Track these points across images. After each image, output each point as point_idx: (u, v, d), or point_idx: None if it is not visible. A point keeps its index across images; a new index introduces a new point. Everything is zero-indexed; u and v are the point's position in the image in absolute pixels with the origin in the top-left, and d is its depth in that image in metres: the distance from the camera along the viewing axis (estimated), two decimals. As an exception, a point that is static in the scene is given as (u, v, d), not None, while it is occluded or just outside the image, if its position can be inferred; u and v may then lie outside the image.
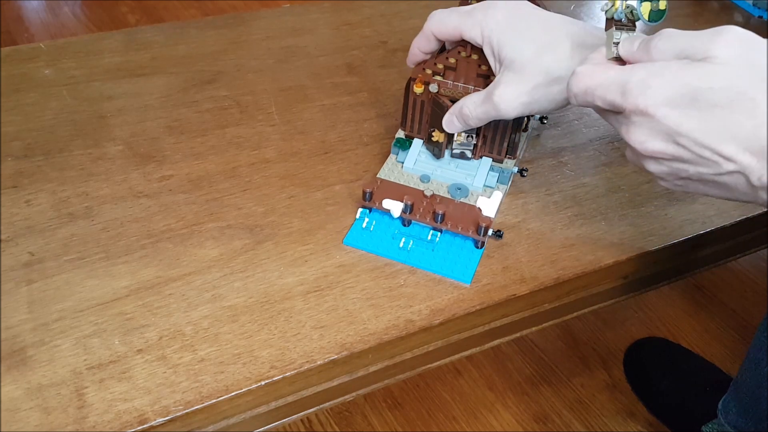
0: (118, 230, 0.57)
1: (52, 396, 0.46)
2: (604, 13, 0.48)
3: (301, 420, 1.00)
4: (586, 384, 1.10)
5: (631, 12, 0.47)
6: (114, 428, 0.44)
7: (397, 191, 0.59)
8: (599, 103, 0.45)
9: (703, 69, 0.40)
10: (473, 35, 0.55)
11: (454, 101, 0.59)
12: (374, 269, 0.56)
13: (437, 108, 0.60)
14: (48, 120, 0.67)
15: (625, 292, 0.66)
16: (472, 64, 0.57)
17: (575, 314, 0.64)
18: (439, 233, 0.58)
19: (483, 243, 0.57)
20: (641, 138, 0.43)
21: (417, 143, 0.63)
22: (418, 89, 0.60)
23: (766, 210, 0.65)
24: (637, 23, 0.47)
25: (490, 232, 0.57)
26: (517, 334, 0.62)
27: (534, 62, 0.52)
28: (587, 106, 0.47)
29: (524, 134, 0.66)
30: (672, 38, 0.43)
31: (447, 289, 0.55)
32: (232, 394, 0.47)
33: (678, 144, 0.42)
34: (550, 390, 1.08)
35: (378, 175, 0.62)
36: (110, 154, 0.64)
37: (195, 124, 0.69)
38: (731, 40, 0.41)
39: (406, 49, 0.82)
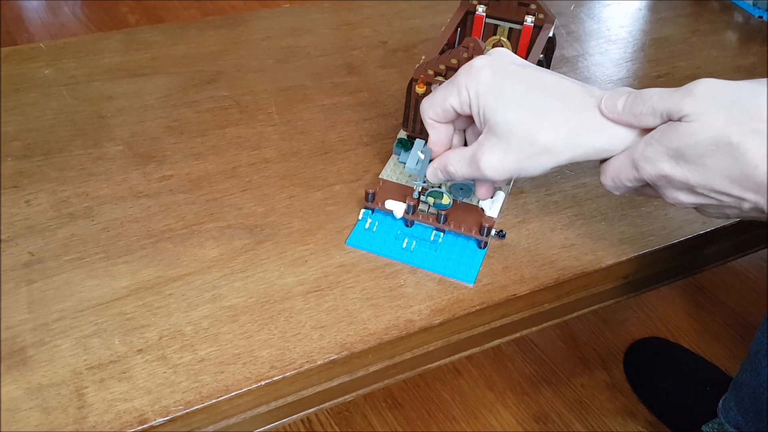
0: (118, 230, 0.57)
1: (52, 396, 0.46)
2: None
3: (301, 420, 0.99)
4: (586, 384, 1.10)
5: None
6: (114, 428, 0.44)
7: (399, 192, 0.59)
8: (630, 185, 0.48)
9: (680, 129, 0.43)
10: (460, 101, 0.50)
11: None
12: (374, 269, 0.56)
13: None
14: (48, 120, 0.67)
15: (625, 292, 0.66)
16: None
17: (575, 314, 0.64)
18: (441, 234, 0.58)
19: (486, 243, 0.57)
20: (672, 196, 0.46)
21: (419, 143, 0.63)
22: (420, 90, 0.60)
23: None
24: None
25: (492, 232, 0.57)
26: (517, 334, 0.62)
27: (520, 131, 0.48)
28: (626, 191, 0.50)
29: None
30: (648, 101, 0.45)
31: (447, 289, 0.55)
32: (232, 394, 0.47)
33: (699, 194, 0.45)
34: (550, 390, 1.08)
35: (380, 176, 0.62)
36: (110, 154, 0.64)
37: (195, 124, 0.69)
38: (700, 95, 0.43)
39: (406, 48, 0.83)
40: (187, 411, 0.46)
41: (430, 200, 0.56)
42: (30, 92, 0.70)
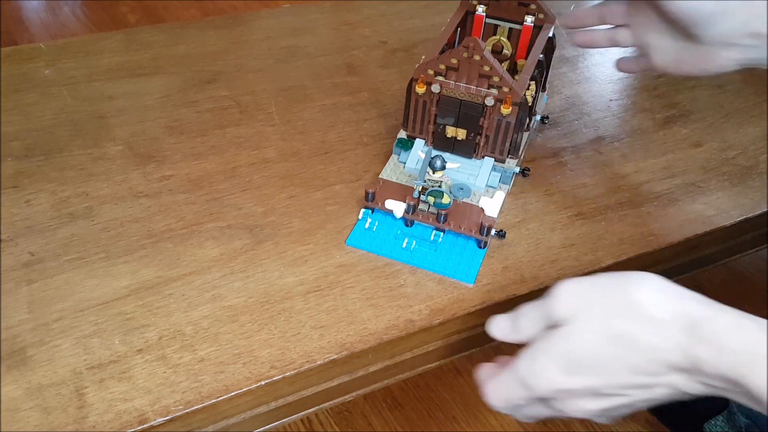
0: (118, 230, 0.57)
1: (52, 396, 0.46)
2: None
3: (301, 420, 0.99)
4: (586, 384, 1.10)
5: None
6: (114, 428, 0.44)
7: (399, 191, 0.59)
8: (527, 405, 0.44)
9: (563, 333, 0.41)
10: None
11: (457, 101, 0.59)
12: (374, 269, 0.56)
13: (447, 105, 0.59)
14: (48, 120, 0.67)
15: (625, 292, 0.65)
16: (474, 64, 0.57)
17: (575, 314, 0.64)
18: (441, 233, 0.58)
19: (486, 243, 0.57)
20: (576, 408, 0.43)
21: (419, 143, 0.63)
22: (420, 89, 0.60)
23: (766, 210, 0.65)
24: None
25: (492, 232, 0.57)
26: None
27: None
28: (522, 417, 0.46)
29: (526, 134, 0.66)
30: (525, 315, 0.44)
31: (447, 289, 0.55)
32: (232, 393, 0.47)
33: (605, 395, 0.42)
34: (550, 390, 1.08)
35: (380, 176, 0.62)
36: (110, 154, 0.64)
37: (195, 124, 0.69)
38: (566, 296, 0.41)
39: (406, 48, 0.83)
40: (187, 411, 0.46)
41: (430, 199, 0.56)
42: (30, 92, 0.70)
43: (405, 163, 0.63)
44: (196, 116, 0.70)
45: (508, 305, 0.56)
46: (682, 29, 0.57)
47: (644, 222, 0.62)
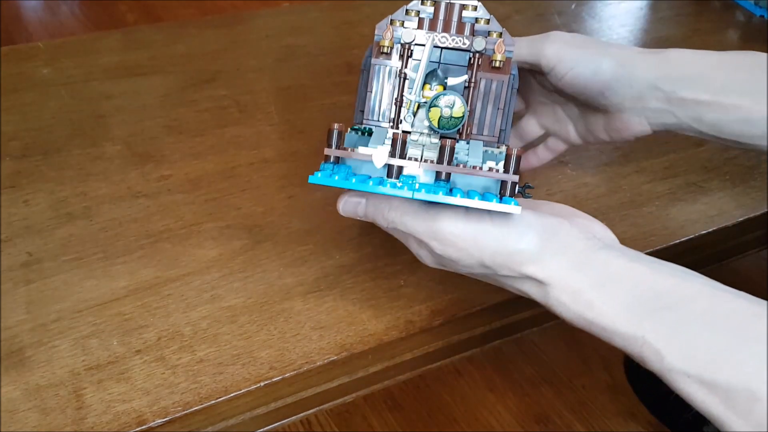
0: (117, 230, 0.57)
1: (51, 397, 0.45)
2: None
3: (301, 421, 0.99)
4: (587, 385, 1.09)
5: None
6: (112, 429, 0.44)
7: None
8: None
9: (439, 255, 0.43)
10: None
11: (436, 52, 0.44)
12: (374, 269, 0.55)
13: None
14: (46, 119, 0.67)
15: (626, 293, 0.65)
16: (451, 8, 0.43)
17: (576, 315, 0.64)
18: (448, 185, 0.40)
19: (514, 188, 0.41)
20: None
21: (380, 132, 0.44)
22: (386, 45, 0.45)
23: (767, 210, 0.65)
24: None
25: (517, 188, 0.41)
26: (518, 335, 0.61)
27: None
28: None
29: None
30: (388, 216, 0.43)
31: (447, 290, 0.55)
32: (231, 395, 0.47)
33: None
34: (551, 391, 1.08)
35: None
36: (109, 154, 0.64)
37: (194, 123, 0.68)
38: (444, 233, 0.41)
39: (406, 48, 0.82)
40: (185, 412, 0.46)
41: (433, 115, 0.40)
42: (28, 92, 0.70)
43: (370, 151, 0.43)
44: (195, 116, 0.69)
45: (509, 306, 0.56)
46: (584, 102, 0.55)
47: (646, 222, 0.62)
